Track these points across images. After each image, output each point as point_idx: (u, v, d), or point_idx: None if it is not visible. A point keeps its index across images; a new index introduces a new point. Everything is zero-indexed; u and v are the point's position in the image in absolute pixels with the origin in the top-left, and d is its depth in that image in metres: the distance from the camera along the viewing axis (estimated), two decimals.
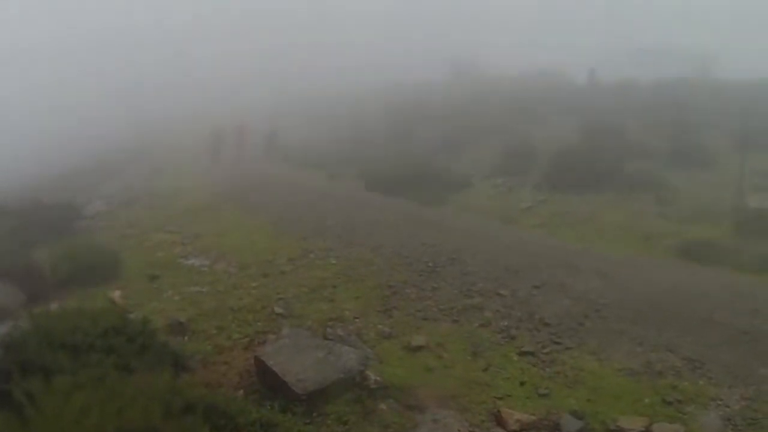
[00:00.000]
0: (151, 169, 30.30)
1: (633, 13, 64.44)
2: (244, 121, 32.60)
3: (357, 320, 9.38)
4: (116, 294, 11.50)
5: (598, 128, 26.01)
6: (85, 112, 50.09)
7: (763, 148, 20.82)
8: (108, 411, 5.11)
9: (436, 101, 36.32)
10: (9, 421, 5.06)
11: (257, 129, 31.89)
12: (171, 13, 79.92)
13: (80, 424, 4.96)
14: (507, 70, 44.96)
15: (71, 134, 43.20)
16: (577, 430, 6.62)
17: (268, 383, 7.34)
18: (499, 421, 6.78)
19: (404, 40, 60.72)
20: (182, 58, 67.10)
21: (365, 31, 66.24)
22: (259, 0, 77.62)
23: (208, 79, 60.22)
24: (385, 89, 44.34)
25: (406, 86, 44.01)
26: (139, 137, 40.76)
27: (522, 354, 8.20)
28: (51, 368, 6.16)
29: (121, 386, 5.66)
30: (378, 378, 7.46)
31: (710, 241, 14.49)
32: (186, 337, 9.15)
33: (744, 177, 17.84)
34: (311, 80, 54.37)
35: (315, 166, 26.46)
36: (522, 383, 7.48)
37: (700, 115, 26.91)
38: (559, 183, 20.14)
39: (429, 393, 7.29)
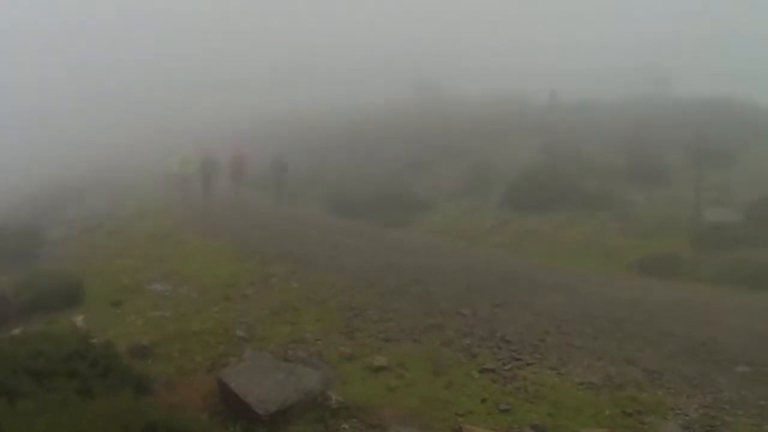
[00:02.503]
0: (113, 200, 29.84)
1: (594, 35, 65.36)
2: (240, 148, 28.01)
3: (319, 342, 9.35)
4: (79, 319, 11.36)
5: (560, 148, 26.42)
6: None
7: (719, 164, 21.25)
8: None
9: (399, 122, 36.45)
10: None
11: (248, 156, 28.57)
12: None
13: None
14: (470, 92, 45.35)
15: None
16: None
17: (231, 405, 7.29)
18: None
19: (367, 61, 60.96)
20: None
21: (326, 50, 66.39)
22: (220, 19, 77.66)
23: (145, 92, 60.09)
24: (347, 110, 44.41)
25: (369, 107, 44.12)
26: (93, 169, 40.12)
27: (483, 371, 8.22)
28: (15, 392, 6.10)
29: (83, 409, 5.63)
30: (340, 398, 7.43)
31: (668, 255, 14.73)
32: (149, 361, 9.06)
33: (700, 192, 18.14)
34: (270, 99, 54.36)
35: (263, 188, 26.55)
36: (483, 400, 7.49)
37: (658, 133, 27.39)
38: (521, 203, 20.37)
39: (391, 412, 7.28)
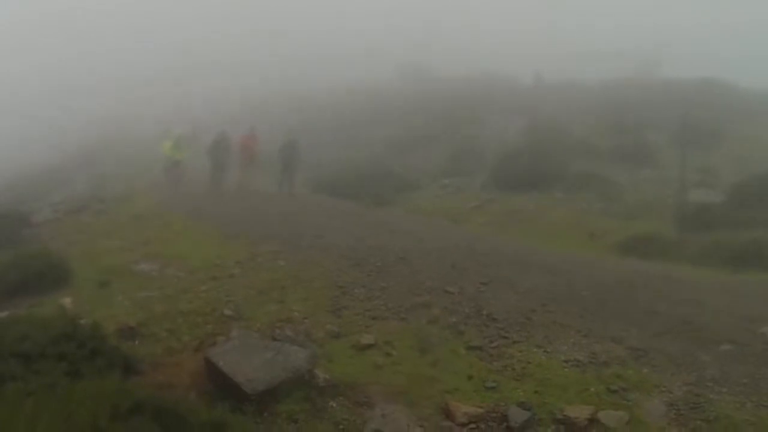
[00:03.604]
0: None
1: (579, 16, 65.45)
2: (253, 128, 24.93)
3: (306, 321, 9.35)
4: (66, 301, 11.30)
5: (544, 129, 26.50)
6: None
7: (704, 146, 21.38)
8: (57, 416, 5.08)
9: (384, 103, 36.35)
10: None
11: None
12: None
13: (31, 429, 4.92)
14: (454, 73, 45.27)
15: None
16: (524, 421, 6.69)
17: (219, 384, 7.30)
18: (447, 414, 6.82)
19: (351, 41, 60.75)
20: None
21: (309, 30, 66.08)
22: None
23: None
24: (331, 90, 44.23)
25: (353, 88, 43.97)
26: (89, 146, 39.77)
27: (470, 349, 8.26)
28: (2, 376, 6.10)
29: (71, 391, 5.62)
30: (327, 376, 7.45)
31: (653, 235, 14.82)
32: (136, 341, 9.04)
33: (685, 173, 18.23)
34: (254, 79, 54.12)
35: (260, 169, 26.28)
36: (470, 377, 7.54)
37: (643, 115, 27.50)
38: (506, 183, 20.44)
39: (378, 389, 7.31)
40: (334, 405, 7.03)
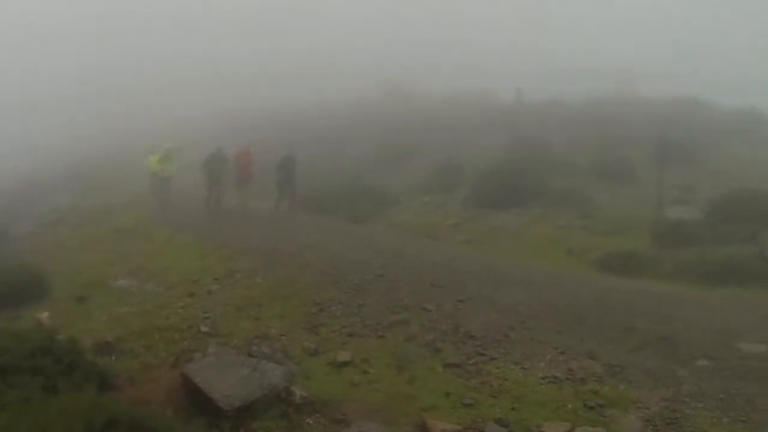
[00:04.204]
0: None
1: (561, 33, 66.04)
2: (248, 144, 23.49)
3: (283, 337, 9.35)
4: (44, 315, 11.26)
5: (525, 146, 26.52)
6: None
7: (681, 163, 21.51)
8: (32, 430, 5.08)
9: (366, 119, 36.44)
10: None
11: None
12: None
13: None
14: (436, 90, 45.52)
15: None
16: None
17: (195, 400, 7.26)
18: (425, 431, 6.82)
19: (335, 58, 60.92)
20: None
21: (295, 46, 66.24)
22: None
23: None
24: (315, 107, 44.30)
25: (337, 104, 44.09)
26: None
27: (447, 366, 8.27)
28: None
29: (46, 406, 5.61)
30: (304, 393, 7.43)
31: (631, 252, 14.86)
32: (113, 356, 9.02)
33: (663, 190, 18.36)
34: (239, 95, 54.16)
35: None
36: (447, 394, 7.54)
37: (623, 132, 27.62)
38: (486, 199, 20.44)
39: (355, 407, 7.30)
40: (311, 422, 7.01)
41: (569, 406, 7.19)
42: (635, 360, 8.31)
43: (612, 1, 72.91)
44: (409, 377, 7.98)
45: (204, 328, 9.81)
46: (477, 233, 17.96)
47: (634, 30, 65.89)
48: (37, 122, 54.43)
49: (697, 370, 7.99)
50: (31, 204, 27.96)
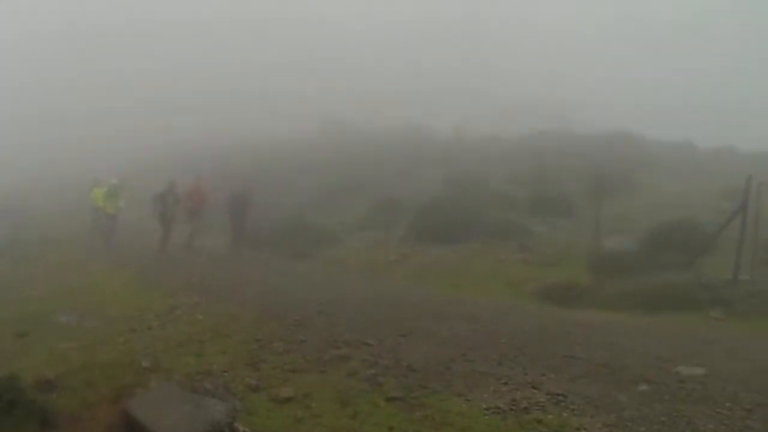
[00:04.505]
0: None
1: (498, 70, 67.30)
2: (199, 178, 22.42)
3: (225, 374, 9.17)
4: None
5: (464, 180, 26.83)
6: None
7: (617, 195, 21.93)
8: None
9: (305, 156, 36.49)
10: None
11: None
12: None
13: None
14: (375, 126, 45.88)
15: None
16: None
17: None
18: None
19: (274, 95, 61.06)
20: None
21: (232, 82, 66.22)
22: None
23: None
24: (253, 143, 44.24)
25: (275, 141, 44.09)
26: None
27: (389, 400, 8.15)
28: None
29: None
30: (247, 430, 7.29)
31: (570, 283, 15.02)
32: (54, 394, 8.76)
33: (600, 221, 18.65)
34: (172, 132, 53.90)
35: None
36: (390, 429, 7.41)
37: (559, 166, 28.14)
38: (425, 234, 20.55)
39: None
40: None
41: None
42: (577, 388, 8.30)
43: (547, 38, 74.74)
44: (352, 412, 7.84)
45: (145, 364, 9.63)
46: (417, 268, 18.00)
47: (568, 68, 67.54)
48: None
49: (638, 395, 8.01)
50: None
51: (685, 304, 13.06)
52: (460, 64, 71.48)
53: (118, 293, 15.05)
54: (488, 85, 62.61)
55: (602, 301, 14.04)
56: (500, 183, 26.82)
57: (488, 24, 79.73)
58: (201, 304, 13.48)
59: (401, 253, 19.54)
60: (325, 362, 9.56)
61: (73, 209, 29.30)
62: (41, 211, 33.14)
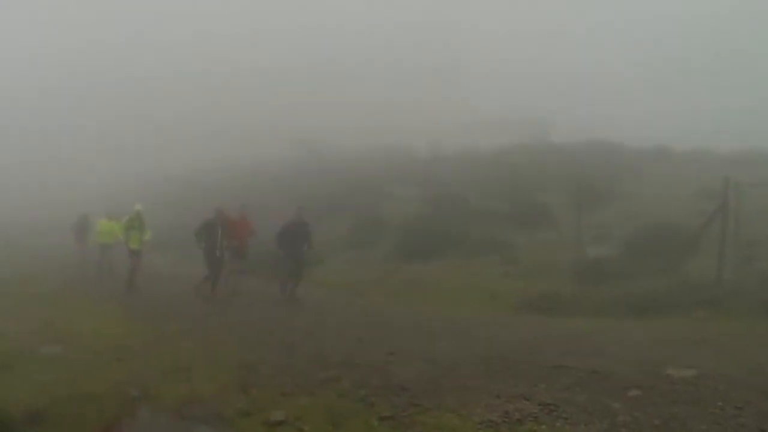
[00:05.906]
0: None
1: (474, 84, 67.61)
2: (244, 207, 20.05)
3: (215, 400, 9.07)
4: None
5: (443, 197, 26.90)
6: None
7: (597, 204, 22.05)
8: None
9: (284, 178, 36.50)
10: None
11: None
12: None
13: None
14: (351, 148, 45.97)
15: None
16: None
17: None
18: None
19: (251, 119, 61.08)
20: None
21: (207, 105, 66.18)
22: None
23: None
24: (233, 166, 44.22)
25: (254, 164, 44.09)
26: None
27: (382, 419, 8.08)
28: None
29: None
30: None
31: (553, 293, 15.05)
32: (41, 427, 8.61)
33: (581, 231, 18.72)
34: (147, 158, 53.90)
35: (160, 248, 25.62)
36: None
37: (538, 178, 28.27)
38: (407, 252, 20.58)
39: None
40: None
41: None
42: (568, 397, 8.29)
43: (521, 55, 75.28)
44: None
45: (133, 393, 9.49)
46: (400, 286, 18.03)
47: (544, 81, 68.01)
48: None
49: (630, 400, 8.01)
50: None
51: (671, 306, 13.14)
52: (436, 74, 71.88)
53: (102, 323, 14.69)
54: (465, 96, 62.88)
55: (588, 308, 14.09)
56: (479, 198, 26.89)
57: (467, 33, 80.00)
58: (187, 330, 13.41)
59: (384, 271, 19.55)
60: (314, 384, 9.49)
61: (52, 244, 29.04)
62: (20, 245, 32.78)
